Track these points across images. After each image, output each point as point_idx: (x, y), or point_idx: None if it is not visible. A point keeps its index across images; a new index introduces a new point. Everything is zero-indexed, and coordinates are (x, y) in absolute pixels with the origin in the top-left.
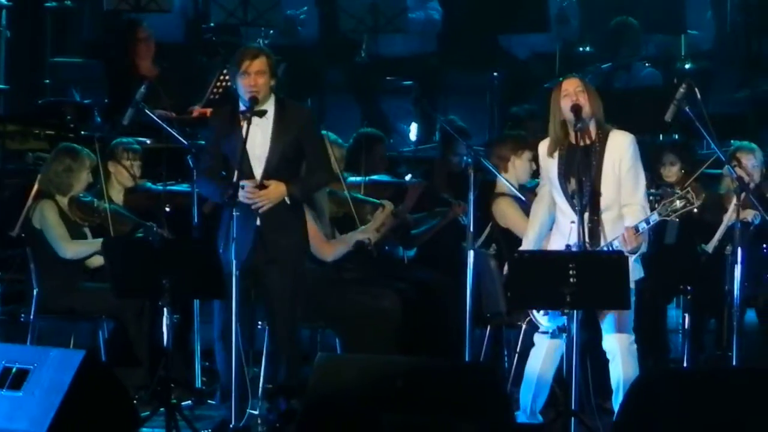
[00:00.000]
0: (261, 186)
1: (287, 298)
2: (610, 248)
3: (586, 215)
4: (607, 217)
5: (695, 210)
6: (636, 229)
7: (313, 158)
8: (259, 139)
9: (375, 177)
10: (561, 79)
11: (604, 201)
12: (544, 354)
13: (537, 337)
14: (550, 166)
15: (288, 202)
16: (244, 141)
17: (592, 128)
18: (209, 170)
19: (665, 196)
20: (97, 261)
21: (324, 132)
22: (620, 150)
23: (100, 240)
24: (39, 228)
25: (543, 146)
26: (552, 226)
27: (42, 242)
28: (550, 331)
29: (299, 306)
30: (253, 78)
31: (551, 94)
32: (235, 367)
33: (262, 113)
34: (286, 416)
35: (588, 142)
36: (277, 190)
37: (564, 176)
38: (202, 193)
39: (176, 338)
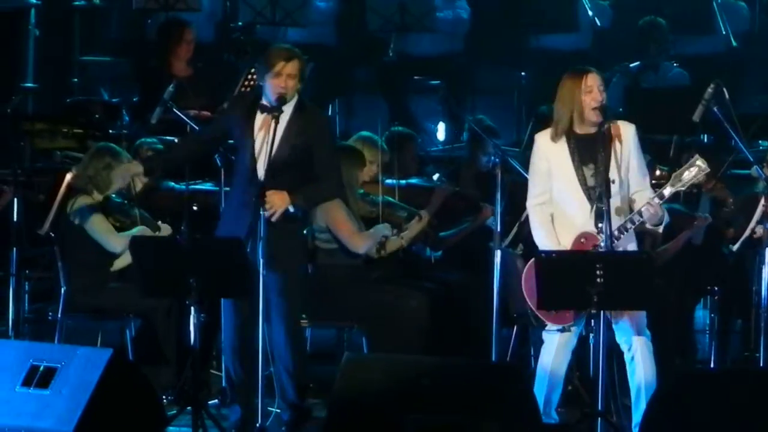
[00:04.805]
0: (263, 187)
1: (285, 296)
2: (631, 224)
3: (607, 205)
4: (612, 205)
5: (726, 209)
6: (660, 196)
7: (322, 167)
8: (269, 138)
9: (410, 180)
10: (574, 69)
11: (612, 189)
12: (554, 351)
13: (545, 335)
14: (556, 153)
15: (291, 210)
16: (272, 141)
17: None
18: (195, 138)
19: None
20: (122, 263)
21: (368, 134)
22: (627, 141)
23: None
24: (78, 224)
25: (544, 137)
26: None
27: (76, 239)
28: (556, 329)
29: (295, 307)
30: (284, 80)
31: (564, 79)
32: (261, 366)
33: (279, 111)
34: (302, 415)
35: (593, 132)
36: (279, 198)
37: (580, 162)
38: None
39: (203, 337)
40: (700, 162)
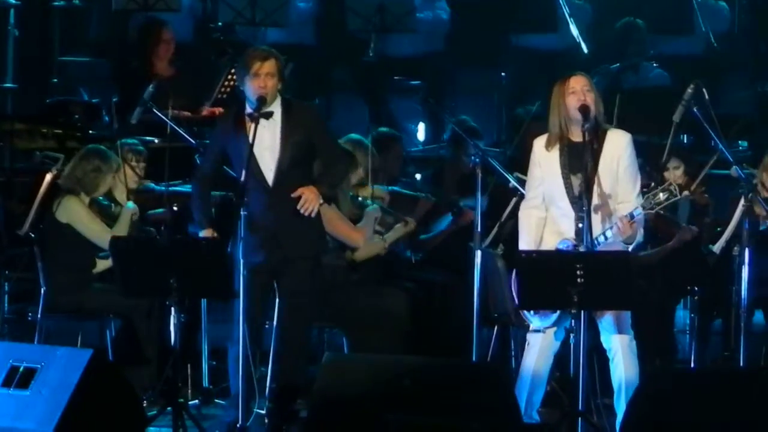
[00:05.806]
0: (274, 192)
1: (303, 297)
2: (604, 238)
3: (587, 205)
4: (597, 214)
5: (706, 216)
6: (630, 216)
7: (328, 153)
8: (267, 141)
9: (394, 188)
10: (566, 74)
11: (597, 198)
12: (537, 352)
13: (530, 336)
14: (548, 161)
15: (321, 201)
16: (252, 143)
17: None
18: (204, 178)
19: (649, 190)
20: (104, 265)
21: (357, 137)
22: (619, 148)
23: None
24: (66, 222)
25: (540, 142)
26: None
27: (60, 239)
28: (542, 329)
29: (315, 305)
30: (263, 80)
31: (553, 87)
32: (242, 367)
33: (269, 115)
34: (289, 416)
35: (587, 139)
36: (310, 191)
37: (569, 170)
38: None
39: (184, 338)
40: (672, 187)
